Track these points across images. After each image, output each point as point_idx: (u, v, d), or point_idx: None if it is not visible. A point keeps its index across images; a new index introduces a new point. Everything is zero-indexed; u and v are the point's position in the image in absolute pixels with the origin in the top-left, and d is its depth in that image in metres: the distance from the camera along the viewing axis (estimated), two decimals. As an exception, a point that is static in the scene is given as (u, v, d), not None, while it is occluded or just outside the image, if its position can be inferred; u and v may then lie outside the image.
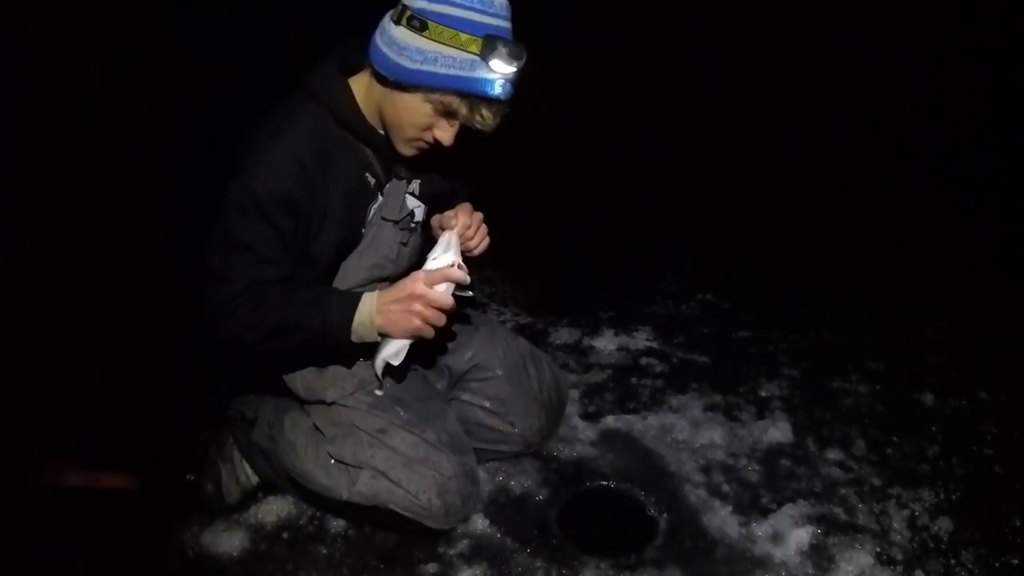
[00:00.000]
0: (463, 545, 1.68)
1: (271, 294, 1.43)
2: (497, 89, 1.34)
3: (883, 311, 2.81)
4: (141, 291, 2.54)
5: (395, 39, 1.34)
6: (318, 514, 1.77)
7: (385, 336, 1.51)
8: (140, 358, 2.31)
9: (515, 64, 1.32)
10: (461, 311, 1.82)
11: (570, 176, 4.02)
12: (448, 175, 1.71)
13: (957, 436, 2.10)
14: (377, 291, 1.50)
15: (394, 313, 1.45)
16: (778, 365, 2.47)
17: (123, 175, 3.11)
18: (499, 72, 1.32)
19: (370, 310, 1.46)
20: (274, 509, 1.78)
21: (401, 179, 1.62)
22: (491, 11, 1.32)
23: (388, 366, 1.58)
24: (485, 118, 1.39)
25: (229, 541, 1.69)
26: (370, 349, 1.56)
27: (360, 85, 1.49)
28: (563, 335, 2.67)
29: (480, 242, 1.64)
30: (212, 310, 1.43)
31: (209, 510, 1.77)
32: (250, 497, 1.81)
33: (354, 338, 1.49)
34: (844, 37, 4.49)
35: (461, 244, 1.56)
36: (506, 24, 1.34)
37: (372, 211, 1.59)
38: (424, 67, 1.32)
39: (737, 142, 4.39)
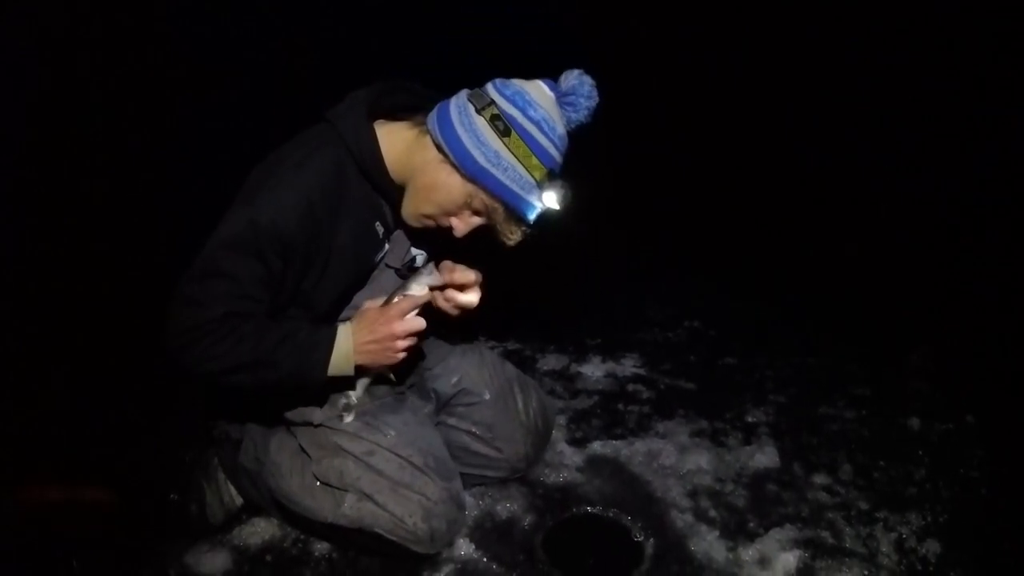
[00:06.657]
0: (448, 570, 1.66)
1: (243, 328, 1.40)
2: (533, 217, 1.45)
3: (867, 337, 2.82)
4: (134, 304, 2.53)
5: (477, 130, 1.39)
6: (302, 537, 1.75)
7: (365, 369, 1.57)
8: (127, 375, 2.30)
9: (560, 204, 1.44)
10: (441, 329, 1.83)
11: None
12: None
13: (943, 459, 2.11)
14: (349, 326, 1.51)
15: (375, 353, 1.51)
16: (764, 391, 2.48)
17: (123, 175, 3.11)
18: (545, 204, 1.43)
19: (347, 351, 1.49)
20: (258, 531, 1.77)
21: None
22: (560, 147, 1.44)
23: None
24: (514, 234, 1.48)
25: (212, 562, 1.67)
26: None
27: (392, 135, 1.49)
28: (551, 361, 2.68)
29: (468, 301, 1.61)
30: (176, 335, 1.37)
31: (193, 531, 1.75)
32: (234, 518, 1.80)
33: (331, 373, 1.50)
34: (844, 37, 4.44)
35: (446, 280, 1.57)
36: (561, 162, 1.46)
37: (378, 259, 1.61)
38: (493, 170, 1.39)
39: (734, 144, 4.40)
